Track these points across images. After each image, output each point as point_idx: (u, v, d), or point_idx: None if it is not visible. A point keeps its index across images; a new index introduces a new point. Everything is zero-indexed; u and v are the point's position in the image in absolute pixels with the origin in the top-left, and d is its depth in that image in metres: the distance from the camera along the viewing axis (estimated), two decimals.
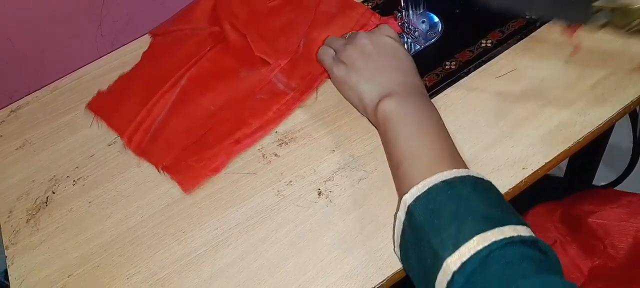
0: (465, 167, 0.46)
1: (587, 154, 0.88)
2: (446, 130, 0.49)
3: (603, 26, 0.49)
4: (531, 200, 0.68)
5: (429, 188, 0.42)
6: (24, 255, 0.55)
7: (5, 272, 0.54)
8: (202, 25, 0.69)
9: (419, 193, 0.42)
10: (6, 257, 0.55)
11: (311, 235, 0.51)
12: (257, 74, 0.63)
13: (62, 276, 0.53)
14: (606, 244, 0.60)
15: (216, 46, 0.66)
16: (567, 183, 0.82)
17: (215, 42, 0.67)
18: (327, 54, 0.58)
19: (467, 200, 0.41)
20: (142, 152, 0.60)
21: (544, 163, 0.51)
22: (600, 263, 0.60)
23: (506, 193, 0.50)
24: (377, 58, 0.54)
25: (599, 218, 0.61)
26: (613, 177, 0.88)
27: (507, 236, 0.38)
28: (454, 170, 0.43)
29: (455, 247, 0.38)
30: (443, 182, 0.42)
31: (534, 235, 0.39)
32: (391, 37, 0.55)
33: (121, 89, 0.66)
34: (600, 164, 0.92)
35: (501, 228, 0.38)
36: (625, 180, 0.86)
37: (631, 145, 0.82)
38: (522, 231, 0.39)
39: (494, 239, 0.37)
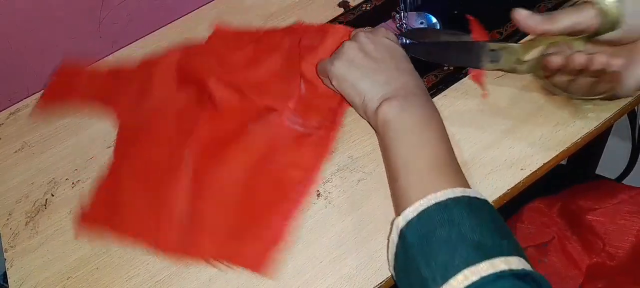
0: (463, 180, 0.45)
1: (587, 149, 0.88)
2: (447, 138, 0.48)
3: (499, 69, 0.54)
4: (530, 189, 0.68)
5: (421, 212, 0.41)
6: (23, 257, 0.55)
7: (5, 274, 0.54)
8: (168, 93, 0.62)
9: (412, 217, 0.41)
10: (5, 259, 0.55)
11: (310, 236, 0.51)
12: (268, 124, 0.57)
13: (61, 278, 0.52)
14: (606, 242, 0.59)
15: (203, 110, 0.59)
16: (570, 172, 0.81)
17: (198, 106, 0.60)
18: (325, 62, 0.56)
19: (459, 225, 0.39)
20: (181, 250, 0.51)
21: (542, 164, 0.51)
22: (599, 261, 0.60)
23: (505, 194, 0.50)
24: (378, 57, 0.52)
25: (598, 216, 0.61)
26: (613, 176, 0.87)
27: (498, 270, 0.36)
28: (449, 190, 0.42)
29: (444, 279, 0.37)
30: (436, 204, 0.41)
31: (527, 266, 0.38)
32: (389, 39, 0.55)
33: (111, 198, 0.56)
34: (600, 162, 0.92)
35: (492, 260, 0.37)
36: (625, 179, 0.86)
37: (630, 145, 0.82)
38: (514, 263, 0.37)
39: (484, 274, 0.36)
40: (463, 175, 0.46)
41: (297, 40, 0.62)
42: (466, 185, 0.44)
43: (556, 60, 0.47)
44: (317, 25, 0.66)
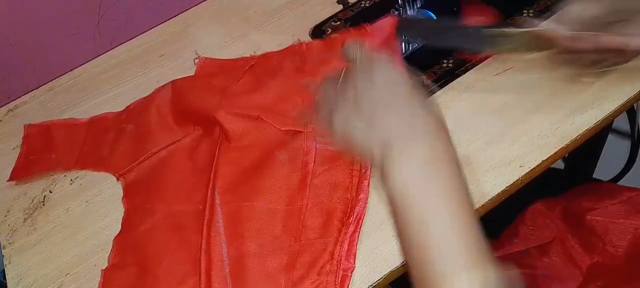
0: (487, 259, 0.38)
1: (586, 149, 0.88)
2: (469, 197, 0.39)
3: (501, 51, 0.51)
4: (531, 194, 0.68)
5: None
6: (21, 254, 0.55)
7: (3, 271, 0.54)
8: (170, 136, 0.58)
9: None
10: (3, 256, 0.55)
11: None
12: (297, 149, 0.53)
13: (59, 275, 0.53)
14: (605, 241, 0.60)
15: (217, 146, 0.54)
16: (568, 176, 0.81)
17: (210, 143, 0.55)
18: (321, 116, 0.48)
19: None
20: None
21: (540, 161, 0.51)
22: (600, 261, 0.60)
23: (503, 191, 0.50)
24: (375, 96, 0.43)
25: (598, 216, 0.61)
26: (612, 174, 0.87)
27: None
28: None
29: None
30: None
31: None
32: (388, 68, 0.45)
33: (137, 259, 0.51)
34: (599, 161, 0.91)
35: None
36: (624, 177, 0.85)
37: (629, 143, 0.82)
38: None
39: None
40: (487, 252, 0.38)
41: (298, 61, 0.58)
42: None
43: (565, 39, 0.46)
44: (315, 42, 0.61)
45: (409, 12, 0.64)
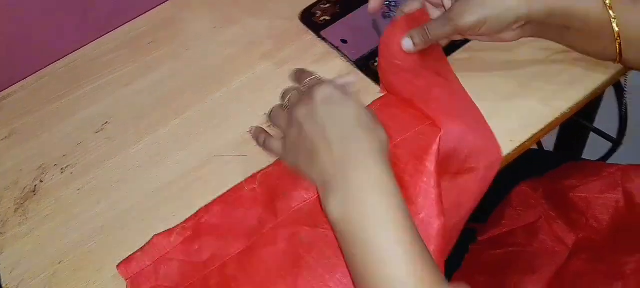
0: (435, 282, 0.38)
1: (575, 128, 0.89)
2: (408, 221, 0.40)
3: None
4: (521, 178, 0.69)
5: None
6: (14, 244, 0.54)
7: None
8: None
9: None
10: None
11: None
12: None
13: (52, 263, 0.52)
14: (589, 217, 0.61)
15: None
16: (557, 158, 0.82)
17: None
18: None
19: None
20: None
21: (531, 135, 0.52)
22: (585, 236, 0.61)
23: None
24: (317, 129, 0.43)
25: (581, 193, 0.62)
26: (601, 154, 0.88)
27: None
28: None
29: None
30: None
31: None
32: (330, 90, 0.45)
33: None
34: (589, 140, 0.92)
35: None
36: (614, 155, 0.86)
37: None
38: None
39: None
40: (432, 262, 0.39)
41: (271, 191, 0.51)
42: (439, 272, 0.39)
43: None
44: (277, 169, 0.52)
45: None
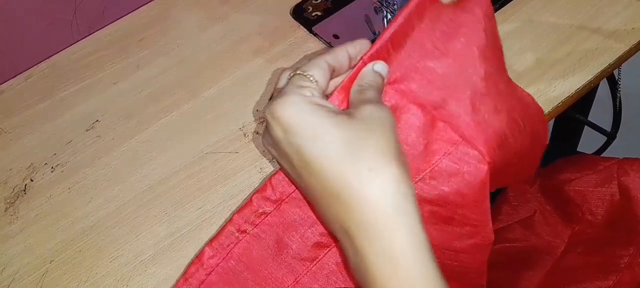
0: None
1: (569, 121, 0.89)
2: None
3: None
4: None
5: None
6: (4, 243, 0.54)
7: None
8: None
9: None
10: None
11: None
12: None
13: (44, 262, 0.52)
14: (584, 210, 0.61)
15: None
16: (552, 152, 0.83)
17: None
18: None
19: None
20: None
21: None
22: (580, 229, 0.61)
23: None
24: (292, 175, 0.37)
25: (576, 186, 0.62)
26: (596, 147, 0.88)
27: None
28: None
29: None
30: None
31: None
32: (275, 131, 0.35)
33: None
34: (583, 134, 0.92)
35: None
36: (608, 148, 0.86)
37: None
38: None
39: None
40: None
41: None
42: None
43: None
44: None
45: None
